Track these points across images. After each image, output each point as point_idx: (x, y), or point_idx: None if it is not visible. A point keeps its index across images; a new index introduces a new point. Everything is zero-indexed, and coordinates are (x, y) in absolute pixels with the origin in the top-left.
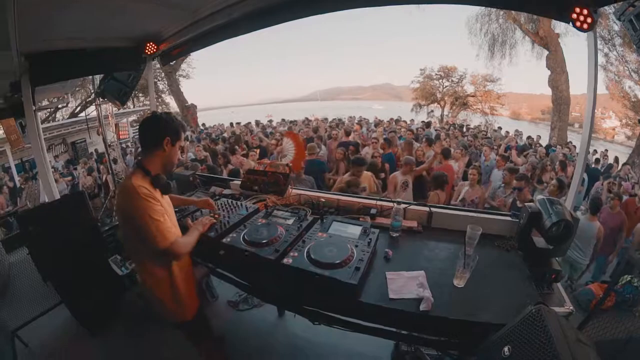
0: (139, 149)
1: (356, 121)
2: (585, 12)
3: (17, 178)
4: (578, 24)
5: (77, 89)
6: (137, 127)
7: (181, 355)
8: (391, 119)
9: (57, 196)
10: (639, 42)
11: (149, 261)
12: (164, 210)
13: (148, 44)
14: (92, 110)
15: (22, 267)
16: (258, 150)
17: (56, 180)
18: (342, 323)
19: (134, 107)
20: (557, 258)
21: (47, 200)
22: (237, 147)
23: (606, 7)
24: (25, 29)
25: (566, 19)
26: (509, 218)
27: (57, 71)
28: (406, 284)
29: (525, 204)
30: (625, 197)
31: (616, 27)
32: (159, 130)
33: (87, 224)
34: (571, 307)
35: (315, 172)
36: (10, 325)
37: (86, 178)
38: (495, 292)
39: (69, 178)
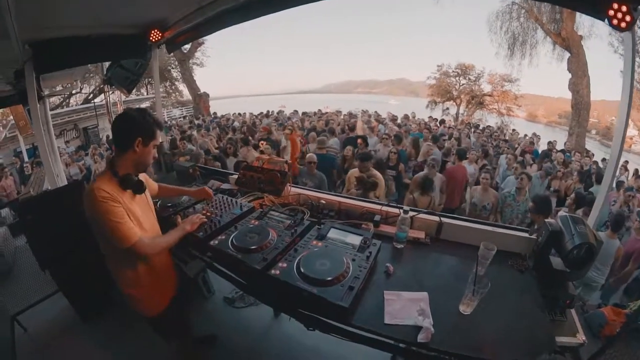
0: None
1: (373, 118)
2: (624, 9)
3: (26, 163)
4: (615, 22)
5: (90, 75)
6: None
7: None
8: (405, 115)
9: (62, 183)
10: None
11: (114, 257)
12: (123, 211)
13: (153, 31)
14: (104, 97)
15: (26, 252)
16: (265, 143)
17: (68, 165)
18: (338, 331)
19: (147, 94)
20: (573, 282)
21: (49, 188)
22: (250, 138)
23: None
24: (25, 17)
25: (602, 16)
26: (525, 235)
27: (61, 59)
28: (405, 307)
29: (546, 220)
30: None
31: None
32: (130, 130)
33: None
34: (584, 338)
35: (324, 168)
36: (10, 310)
37: (98, 164)
38: (505, 321)
39: (82, 162)
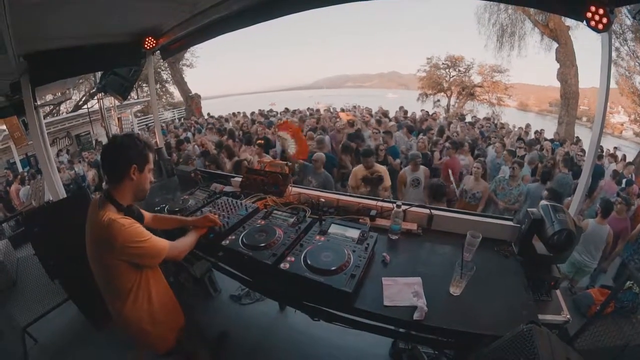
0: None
1: (370, 112)
2: (601, 11)
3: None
4: (593, 23)
5: (80, 81)
6: (142, 117)
7: None
8: (401, 107)
9: (62, 194)
10: None
11: (125, 294)
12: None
13: (147, 39)
14: (95, 103)
15: (30, 262)
16: (262, 142)
17: (60, 170)
18: (341, 320)
19: (137, 97)
20: (557, 265)
21: (51, 199)
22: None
23: None
24: (21, 31)
25: (581, 17)
26: (510, 223)
27: (56, 70)
28: (401, 291)
29: (528, 209)
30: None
31: (628, 22)
32: (122, 158)
33: None
34: (568, 316)
35: (326, 167)
36: (20, 322)
37: (90, 170)
38: (492, 301)
39: (72, 172)
